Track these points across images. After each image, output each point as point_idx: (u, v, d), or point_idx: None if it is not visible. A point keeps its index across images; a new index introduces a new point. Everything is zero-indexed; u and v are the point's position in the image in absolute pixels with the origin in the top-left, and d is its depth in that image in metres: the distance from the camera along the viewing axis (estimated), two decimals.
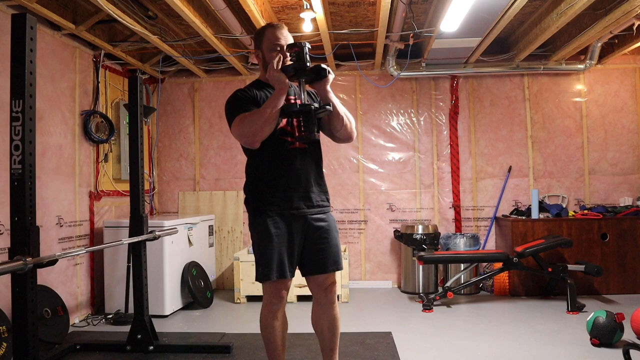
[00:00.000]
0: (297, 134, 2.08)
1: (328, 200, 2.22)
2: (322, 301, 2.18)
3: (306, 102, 2.03)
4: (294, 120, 2.09)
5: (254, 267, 4.41)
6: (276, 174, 2.08)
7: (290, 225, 2.08)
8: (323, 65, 2.03)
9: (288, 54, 2.06)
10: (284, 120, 2.07)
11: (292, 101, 2.12)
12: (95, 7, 3.38)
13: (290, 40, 2.12)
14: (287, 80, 1.99)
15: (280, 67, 2.00)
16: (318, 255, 2.12)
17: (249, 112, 1.99)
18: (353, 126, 2.19)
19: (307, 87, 2.12)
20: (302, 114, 2.03)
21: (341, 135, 2.18)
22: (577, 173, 4.92)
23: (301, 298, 4.27)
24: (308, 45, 1.99)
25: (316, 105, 2.03)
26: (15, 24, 1.95)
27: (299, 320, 3.32)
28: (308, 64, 1.98)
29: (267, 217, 2.07)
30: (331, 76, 2.06)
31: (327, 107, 2.02)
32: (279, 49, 2.09)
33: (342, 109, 2.12)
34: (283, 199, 2.08)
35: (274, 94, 1.98)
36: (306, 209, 2.11)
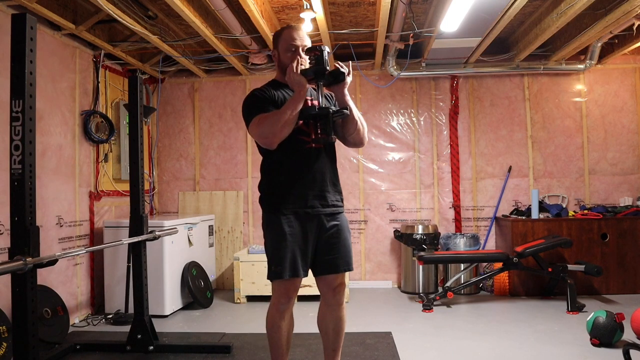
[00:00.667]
0: (313, 136, 2.10)
1: (342, 200, 2.23)
2: (330, 301, 2.18)
3: (324, 105, 2.05)
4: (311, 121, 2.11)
5: (253, 267, 4.46)
6: (292, 172, 2.09)
7: (304, 224, 2.08)
8: (342, 69, 2.05)
9: (307, 57, 2.07)
10: (301, 120, 2.09)
11: (309, 102, 2.13)
12: (95, 7, 3.38)
13: (307, 41, 2.15)
14: (307, 84, 2.00)
15: (299, 70, 2.01)
16: (330, 255, 2.12)
17: (267, 112, 2.00)
18: (365, 132, 2.21)
19: (324, 90, 2.14)
20: (320, 117, 2.05)
21: (353, 139, 2.20)
22: (577, 173, 4.92)
23: (301, 298, 4.27)
24: (327, 49, 2.02)
25: (334, 108, 2.06)
26: (15, 24, 1.95)
27: (299, 320, 3.28)
28: (327, 67, 2.00)
29: (281, 215, 2.07)
30: (349, 79, 2.07)
31: (345, 110, 2.05)
32: (293, 49, 2.11)
33: (357, 113, 2.14)
34: (298, 197, 2.08)
35: (293, 97, 1.99)
36: (321, 208, 2.11)
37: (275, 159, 2.11)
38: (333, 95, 2.17)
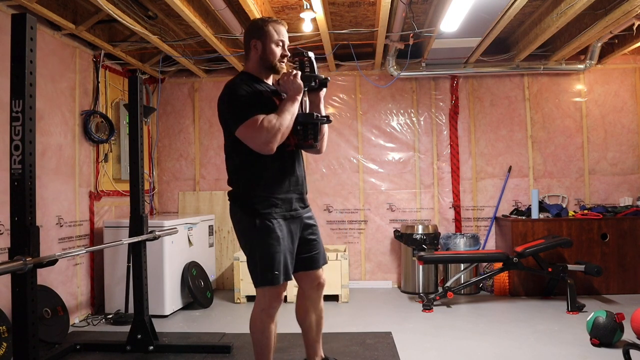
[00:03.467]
0: (297, 141, 2.12)
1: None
2: (312, 296, 2.26)
3: (308, 112, 2.11)
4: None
5: None
6: (279, 176, 2.10)
7: (290, 227, 2.11)
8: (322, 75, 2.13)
9: (298, 62, 2.10)
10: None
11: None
12: (95, 7, 3.38)
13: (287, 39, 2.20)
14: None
15: (300, 75, 2.03)
16: (310, 252, 2.21)
17: (262, 114, 1.95)
18: (326, 140, 2.29)
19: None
20: (311, 123, 2.07)
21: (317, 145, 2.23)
22: (577, 173, 4.92)
23: None
24: (313, 54, 2.08)
25: (322, 114, 2.12)
26: (15, 24, 1.95)
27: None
28: (317, 73, 2.07)
29: (272, 219, 2.06)
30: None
31: (330, 117, 2.12)
32: (281, 44, 2.14)
33: None
34: (285, 201, 2.10)
35: (291, 103, 2.00)
36: (301, 210, 2.18)
37: (261, 162, 2.05)
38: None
